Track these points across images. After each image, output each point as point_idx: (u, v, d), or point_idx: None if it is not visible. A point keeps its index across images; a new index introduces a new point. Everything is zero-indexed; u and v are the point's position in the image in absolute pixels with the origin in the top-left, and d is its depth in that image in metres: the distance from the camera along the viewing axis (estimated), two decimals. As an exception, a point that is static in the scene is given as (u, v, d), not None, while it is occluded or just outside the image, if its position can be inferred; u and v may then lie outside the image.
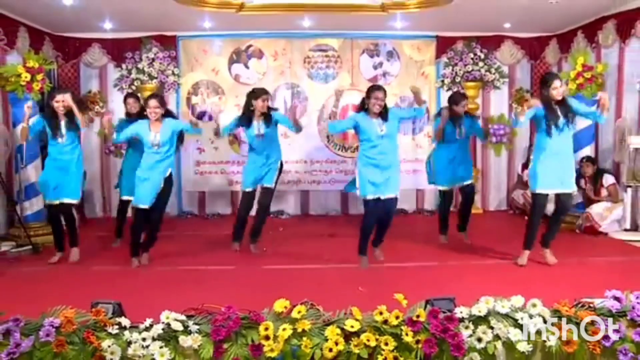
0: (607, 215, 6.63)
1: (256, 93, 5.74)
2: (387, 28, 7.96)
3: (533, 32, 8.45)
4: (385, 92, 5.15)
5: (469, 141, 6.44)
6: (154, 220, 5.46)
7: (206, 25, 7.62)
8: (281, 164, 5.95)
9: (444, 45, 8.47)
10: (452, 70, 8.45)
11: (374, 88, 5.19)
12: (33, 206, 6.51)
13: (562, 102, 5.11)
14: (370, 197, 5.13)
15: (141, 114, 5.79)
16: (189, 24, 7.72)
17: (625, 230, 6.56)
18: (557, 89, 5.05)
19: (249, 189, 5.89)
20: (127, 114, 6.24)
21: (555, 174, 5.14)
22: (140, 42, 8.20)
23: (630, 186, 6.58)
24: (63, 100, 5.37)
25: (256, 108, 5.67)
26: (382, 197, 5.14)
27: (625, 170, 6.72)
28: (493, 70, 8.50)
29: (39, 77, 6.24)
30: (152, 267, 5.40)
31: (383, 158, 5.12)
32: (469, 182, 6.18)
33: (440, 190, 6.32)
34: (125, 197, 6.13)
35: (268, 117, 5.72)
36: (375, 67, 8.50)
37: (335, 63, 8.47)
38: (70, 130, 5.43)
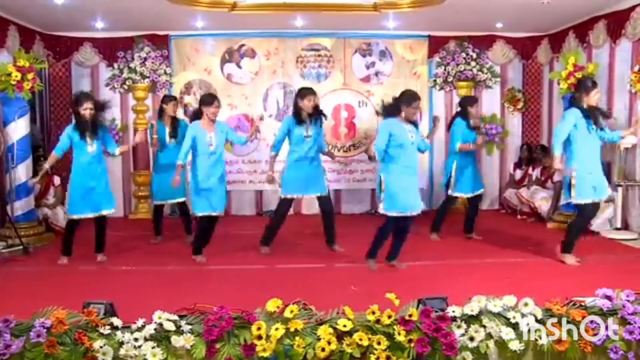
0: (598, 215, 6.64)
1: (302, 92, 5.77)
2: (379, 27, 7.97)
3: (525, 32, 8.49)
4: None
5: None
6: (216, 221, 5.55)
7: (198, 25, 7.60)
8: None
9: (436, 44, 8.49)
10: (445, 69, 8.47)
11: (416, 97, 5.06)
12: (23, 206, 6.46)
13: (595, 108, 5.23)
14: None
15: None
16: (182, 23, 7.70)
17: (616, 229, 6.60)
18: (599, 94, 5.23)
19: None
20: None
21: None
22: (132, 42, 8.17)
23: (620, 185, 6.62)
24: (91, 108, 5.31)
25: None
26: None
27: (616, 169, 6.76)
28: (485, 70, 8.53)
29: (30, 76, 6.20)
30: (144, 267, 5.38)
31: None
32: (481, 191, 6.51)
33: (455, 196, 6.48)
34: (158, 202, 6.37)
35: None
36: (367, 67, 8.51)
37: (327, 62, 8.47)
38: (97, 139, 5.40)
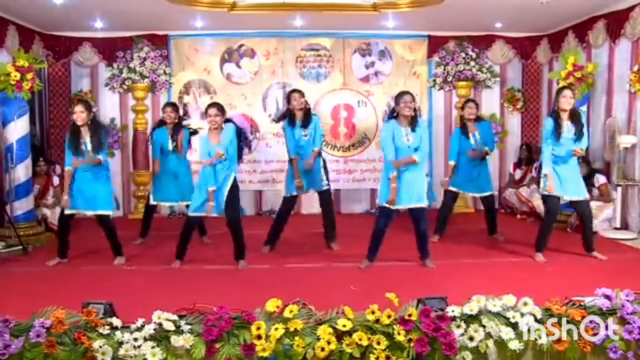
0: (597, 215, 6.65)
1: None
2: (378, 27, 7.97)
3: (524, 31, 8.49)
4: (413, 96, 5.14)
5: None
6: (233, 225, 5.32)
7: (198, 25, 7.60)
8: None
9: (435, 44, 8.49)
10: (444, 69, 8.47)
11: (404, 93, 5.13)
12: (23, 206, 6.46)
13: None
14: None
15: (179, 124, 6.19)
16: (181, 23, 7.70)
17: (616, 229, 6.60)
18: (567, 98, 5.31)
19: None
20: (161, 122, 6.32)
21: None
22: (131, 41, 8.17)
23: (620, 185, 6.62)
24: (82, 112, 5.26)
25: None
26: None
27: (615, 169, 6.76)
28: (484, 70, 8.53)
29: (29, 76, 6.18)
30: (143, 267, 5.37)
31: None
32: (488, 193, 6.44)
33: (445, 191, 6.49)
34: (154, 202, 6.34)
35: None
36: (367, 67, 8.51)
37: (327, 62, 8.46)
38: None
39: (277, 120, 6.40)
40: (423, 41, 8.51)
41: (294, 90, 5.97)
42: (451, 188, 6.40)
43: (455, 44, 8.49)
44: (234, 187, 5.30)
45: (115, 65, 8.19)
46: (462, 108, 6.53)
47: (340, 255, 5.72)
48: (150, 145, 6.68)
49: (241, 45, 8.39)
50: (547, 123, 5.39)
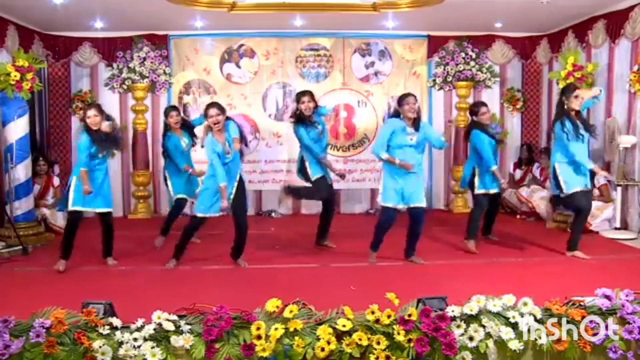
0: (598, 215, 6.66)
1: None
2: (378, 27, 7.97)
3: (524, 31, 8.49)
4: (416, 97, 5.20)
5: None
6: (241, 225, 5.26)
7: (198, 25, 7.60)
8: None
9: (435, 44, 8.49)
10: (444, 69, 8.47)
11: (406, 95, 5.21)
12: (23, 206, 6.46)
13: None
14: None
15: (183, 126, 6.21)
16: (181, 23, 7.70)
17: (616, 228, 6.60)
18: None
19: None
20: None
21: None
22: (131, 41, 8.17)
23: (620, 185, 6.62)
24: (96, 115, 5.16)
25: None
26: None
27: (615, 169, 6.76)
28: (484, 70, 8.52)
29: (29, 76, 6.18)
30: (143, 267, 5.37)
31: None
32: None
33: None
34: (180, 196, 6.24)
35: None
36: (367, 67, 8.50)
37: (327, 62, 8.46)
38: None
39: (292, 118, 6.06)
40: (423, 41, 8.51)
41: (304, 93, 5.82)
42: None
43: (455, 44, 8.48)
44: (241, 182, 5.26)
45: (115, 65, 8.19)
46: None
47: (340, 255, 5.72)
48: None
49: (241, 45, 8.39)
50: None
